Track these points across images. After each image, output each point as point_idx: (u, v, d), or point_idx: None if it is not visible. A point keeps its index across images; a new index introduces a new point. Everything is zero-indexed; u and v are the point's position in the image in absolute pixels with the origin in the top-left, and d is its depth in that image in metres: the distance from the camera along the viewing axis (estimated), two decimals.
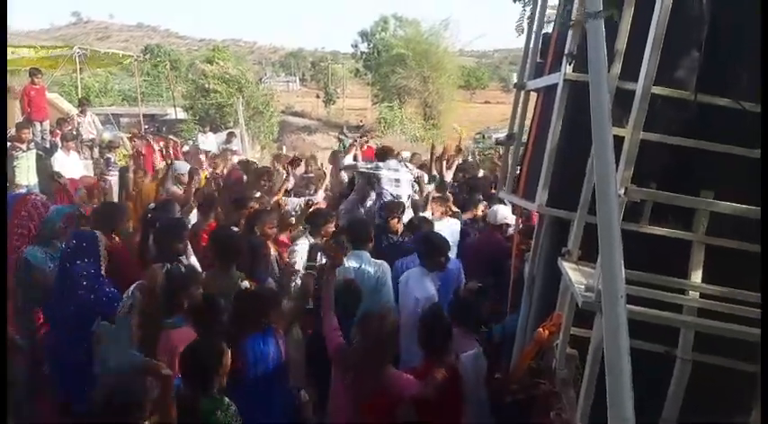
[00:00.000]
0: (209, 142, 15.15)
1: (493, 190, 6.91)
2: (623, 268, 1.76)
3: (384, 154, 6.82)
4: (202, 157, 11.10)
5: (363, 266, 4.48)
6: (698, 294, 2.73)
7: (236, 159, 11.02)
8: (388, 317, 3.38)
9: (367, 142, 11.85)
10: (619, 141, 2.42)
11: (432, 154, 8.02)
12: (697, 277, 2.75)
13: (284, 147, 23.94)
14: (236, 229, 5.14)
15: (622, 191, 2.33)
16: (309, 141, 30.64)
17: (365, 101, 46.47)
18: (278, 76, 71.95)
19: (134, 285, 3.67)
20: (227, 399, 2.91)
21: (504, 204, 5.87)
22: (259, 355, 3.38)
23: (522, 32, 3.37)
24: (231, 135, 15.81)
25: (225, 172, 9.09)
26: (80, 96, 13.86)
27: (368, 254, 4.61)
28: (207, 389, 2.86)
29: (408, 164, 7.07)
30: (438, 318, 3.55)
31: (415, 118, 34.03)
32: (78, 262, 3.68)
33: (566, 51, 2.88)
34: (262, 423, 3.34)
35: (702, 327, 2.49)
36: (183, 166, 7.27)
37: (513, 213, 5.60)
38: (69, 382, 3.68)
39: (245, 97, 25.70)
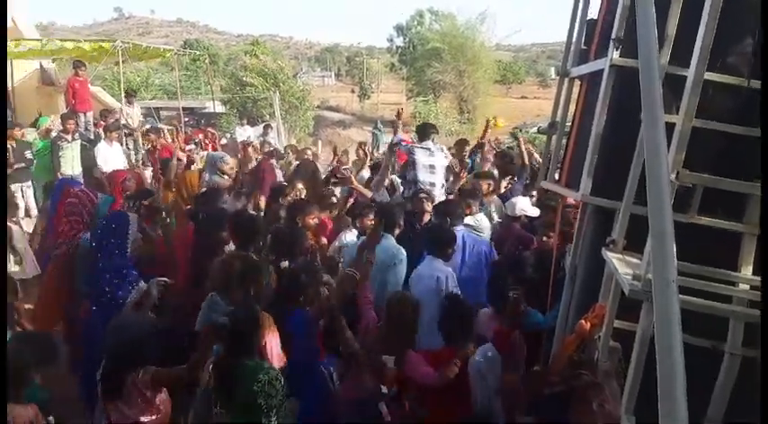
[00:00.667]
0: (247, 134, 15.38)
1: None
2: (675, 253, 1.71)
3: (425, 130, 6.77)
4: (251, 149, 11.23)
5: (384, 243, 4.62)
6: (748, 286, 2.64)
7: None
8: (411, 302, 3.47)
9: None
10: (667, 128, 2.36)
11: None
12: (747, 269, 2.67)
13: (319, 141, 24.11)
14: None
15: (674, 176, 2.27)
16: (344, 135, 30.77)
17: (400, 96, 46.35)
18: (313, 71, 72.48)
19: (152, 280, 3.83)
20: (266, 362, 3.03)
21: (530, 196, 5.99)
22: (299, 330, 3.52)
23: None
24: (268, 127, 16.01)
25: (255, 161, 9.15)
26: (123, 89, 14.15)
27: (392, 238, 4.79)
28: (249, 353, 2.97)
29: (444, 149, 7.02)
30: (458, 304, 3.64)
31: (450, 112, 33.81)
32: (105, 242, 3.81)
33: (612, 36, 2.82)
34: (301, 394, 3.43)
35: (754, 317, 2.40)
36: (217, 156, 7.41)
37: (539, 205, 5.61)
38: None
39: (282, 91, 25.96)
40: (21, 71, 15.06)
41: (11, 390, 2.74)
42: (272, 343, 3.34)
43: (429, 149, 6.43)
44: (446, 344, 3.56)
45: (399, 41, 44.12)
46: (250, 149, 9.65)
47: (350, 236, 5.30)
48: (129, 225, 3.92)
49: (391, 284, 4.54)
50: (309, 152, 10.38)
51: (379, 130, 22.09)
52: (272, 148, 11.77)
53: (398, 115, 8.61)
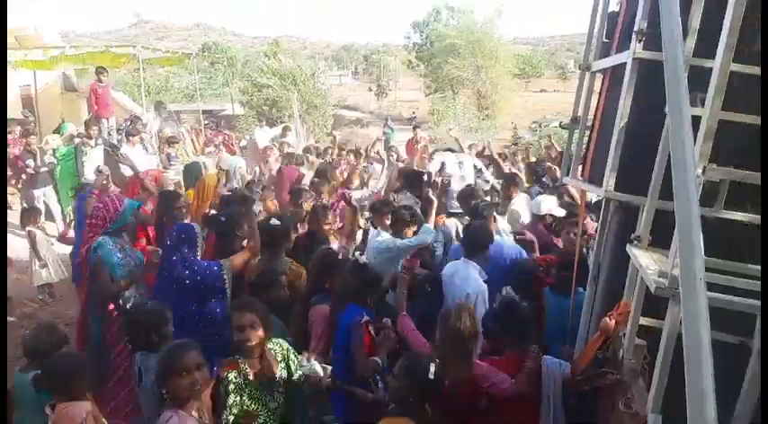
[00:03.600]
0: (266, 136, 15.44)
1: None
2: (702, 249, 1.67)
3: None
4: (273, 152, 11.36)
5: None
6: None
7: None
8: (465, 312, 3.31)
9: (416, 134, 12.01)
10: (692, 122, 2.31)
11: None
12: None
13: (337, 137, 24.12)
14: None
15: (700, 171, 2.23)
16: (363, 134, 30.76)
17: (418, 93, 46.28)
18: (330, 71, 72.52)
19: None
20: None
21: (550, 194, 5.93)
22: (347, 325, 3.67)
23: None
24: (286, 128, 16.04)
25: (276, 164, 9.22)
26: (143, 94, 14.36)
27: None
28: None
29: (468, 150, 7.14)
30: (516, 307, 3.54)
31: (468, 108, 33.63)
32: (178, 252, 4.02)
33: (635, 28, 2.77)
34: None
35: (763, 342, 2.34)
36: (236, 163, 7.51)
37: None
38: None
39: (300, 91, 26.05)
40: (43, 78, 15.34)
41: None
42: None
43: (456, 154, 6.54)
44: (509, 349, 3.37)
45: (416, 38, 43.99)
46: (272, 153, 9.71)
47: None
48: (195, 232, 4.16)
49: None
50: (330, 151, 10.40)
51: (390, 129, 21.58)
52: (290, 150, 11.84)
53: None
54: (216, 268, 4.00)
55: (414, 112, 40.65)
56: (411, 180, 6.35)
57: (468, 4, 40.55)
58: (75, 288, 5.86)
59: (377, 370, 3.43)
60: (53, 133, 12.34)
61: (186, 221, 5.15)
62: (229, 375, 3.01)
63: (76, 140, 10.20)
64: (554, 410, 3.23)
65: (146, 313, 3.50)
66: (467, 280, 4.20)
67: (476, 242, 4.40)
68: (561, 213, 5.57)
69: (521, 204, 6.14)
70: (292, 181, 7.83)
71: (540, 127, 29.19)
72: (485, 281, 4.23)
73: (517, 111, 36.69)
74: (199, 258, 4.07)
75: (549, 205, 5.67)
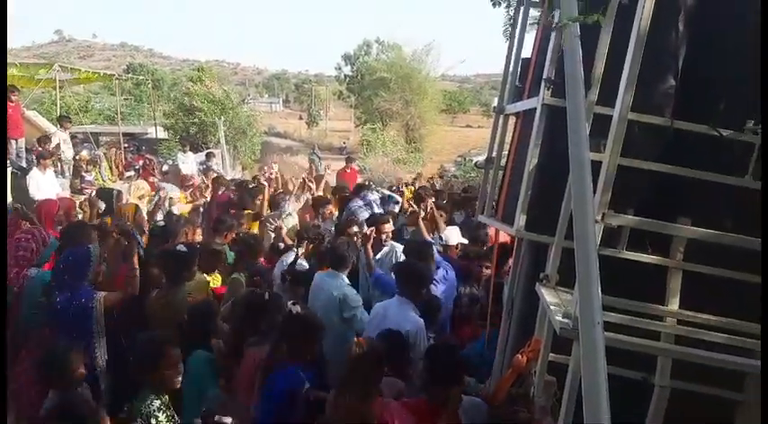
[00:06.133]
0: (189, 161, 15.02)
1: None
2: (600, 294, 1.73)
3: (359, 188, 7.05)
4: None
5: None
6: (675, 320, 2.71)
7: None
8: (367, 347, 3.22)
9: (349, 164, 12.05)
10: (597, 166, 2.42)
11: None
12: (674, 303, 2.74)
13: (265, 168, 23.86)
14: None
15: (600, 217, 2.32)
16: (291, 162, 30.60)
17: (348, 123, 46.76)
18: (261, 97, 72.17)
19: None
20: None
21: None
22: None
23: (508, 38, 3.29)
24: (210, 155, 15.75)
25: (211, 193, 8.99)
26: (59, 114, 13.67)
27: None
28: None
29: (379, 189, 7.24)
30: (448, 352, 3.36)
31: (397, 140, 34.21)
32: (67, 277, 3.88)
33: (544, 76, 2.90)
34: None
35: (679, 354, 2.46)
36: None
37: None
38: None
39: (229, 117, 25.66)
40: None
41: None
42: None
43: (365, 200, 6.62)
44: (428, 395, 3.16)
45: (347, 70, 44.56)
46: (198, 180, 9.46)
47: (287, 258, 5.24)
48: (90, 256, 4.01)
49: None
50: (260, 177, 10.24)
51: (317, 156, 22.35)
52: (216, 175, 11.58)
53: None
54: (85, 299, 3.86)
55: (344, 142, 40.94)
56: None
57: (398, 38, 41.31)
58: None
59: None
60: None
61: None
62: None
63: None
64: None
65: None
66: (403, 316, 4.01)
67: (413, 282, 4.21)
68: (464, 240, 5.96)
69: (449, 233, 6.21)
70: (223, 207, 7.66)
71: (464, 160, 29.98)
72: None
73: (443, 145, 37.68)
74: (86, 283, 3.95)
75: (458, 236, 5.94)
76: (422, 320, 4.03)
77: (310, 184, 8.08)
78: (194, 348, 3.66)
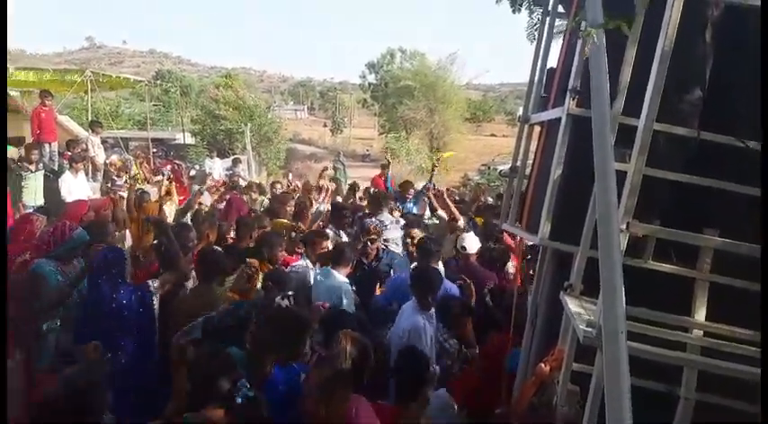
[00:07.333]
0: (216, 167, 15.30)
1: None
2: (624, 304, 1.74)
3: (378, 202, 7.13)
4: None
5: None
6: (702, 332, 2.69)
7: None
8: (356, 341, 3.08)
9: (384, 170, 12.29)
10: (622, 176, 2.42)
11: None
12: (701, 315, 2.72)
13: (290, 174, 24.11)
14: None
15: (624, 226, 2.32)
16: (316, 169, 30.80)
17: (372, 131, 46.93)
18: (286, 105, 72.86)
19: None
20: None
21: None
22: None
23: (534, 40, 3.28)
24: (237, 161, 16.00)
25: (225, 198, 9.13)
26: (90, 119, 14.00)
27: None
28: None
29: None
30: (413, 360, 3.36)
31: (421, 148, 34.25)
32: (104, 275, 3.98)
33: (569, 86, 2.91)
34: None
35: (706, 366, 2.44)
36: None
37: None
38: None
39: (255, 124, 25.98)
40: None
41: None
42: None
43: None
44: (397, 399, 3.26)
45: (372, 78, 44.82)
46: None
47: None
48: (124, 257, 4.15)
49: None
50: (279, 185, 10.40)
51: (342, 164, 20.15)
52: (237, 181, 11.77)
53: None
54: (140, 292, 3.99)
55: (368, 150, 41.09)
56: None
57: (422, 47, 41.50)
58: None
59: None
60: None
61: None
62: None
63: (13, 166, 9.81)
64: None
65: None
66: (408, 318, 4.17)
67: (424, 290, 4.30)
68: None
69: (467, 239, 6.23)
70: (240, 212, 7.77)
71: (488, 169, 29.89)
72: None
73: (467, 154, 37.58)
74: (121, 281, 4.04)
75: (477, 243, 5.92)
76: (422, 321, 4.08)
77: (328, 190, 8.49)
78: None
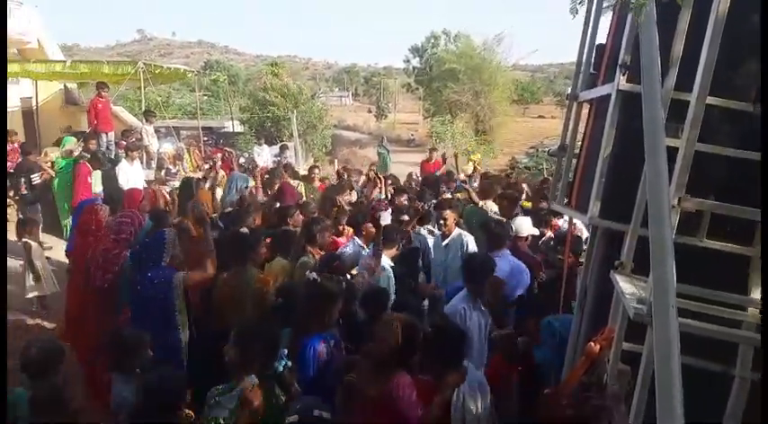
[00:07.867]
0: (264, 154, 15.61)
1: None
2: (675, 279, 1.73)
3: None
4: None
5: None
6: (758, 311, 2.63)
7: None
8: (405, 321, 3.24)
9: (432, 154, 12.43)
10: (673, 152, 2.38)
11: None
12: (756, 293, 2.66)
13: (336, 160, 24.32)
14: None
15: (676, 202, 2.29)
16: (361, 154, 30.93)
17: (417, 116, 46.64)
18: (331, 91, 73.16)
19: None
20: None
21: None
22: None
23: (576, 14, 3.17)
24: (284, 147, 16.22)
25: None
26: (144, 109, 14.43)
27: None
28: None
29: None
30: (449, 334, 3.42)
31: (466, 132, 33.86)
32: (145, 256, 4.17)
33: (619, 62, 2.86)
34: None
35: (762, 342, 2.39)
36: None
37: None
38: None
39: (300, 111, 26.24)
40: (45, 91, 15.46)
41: None
42: None
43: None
44: (434, 373, 3.29)
45: (416, 62, 44.45)
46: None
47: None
48: (164, 238, 4.24)
49: None
50: (317, 170, 10.49)
51: (386, 149, 19.69)
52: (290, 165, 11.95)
53: None
54: (165, 278, 4.08)
55: (413, 134, 40.91)
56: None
57: (466, 28, 40.85)
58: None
59: None
60: (53, 146, 12.41)
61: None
62: None
63: (75, 154, 10.26)
64: None
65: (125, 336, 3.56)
66: (451, 302, 4.34)
67: (474, 277, 4.33)
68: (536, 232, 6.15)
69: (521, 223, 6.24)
70: (293, 198, 7.96)
71: (537, 152, 29.37)
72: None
73: (515, 136, 36.98)
74: (164, 264, 4.17)
75: (529, 226, 6.00)
76: (464, 307, 4.16)
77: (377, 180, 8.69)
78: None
